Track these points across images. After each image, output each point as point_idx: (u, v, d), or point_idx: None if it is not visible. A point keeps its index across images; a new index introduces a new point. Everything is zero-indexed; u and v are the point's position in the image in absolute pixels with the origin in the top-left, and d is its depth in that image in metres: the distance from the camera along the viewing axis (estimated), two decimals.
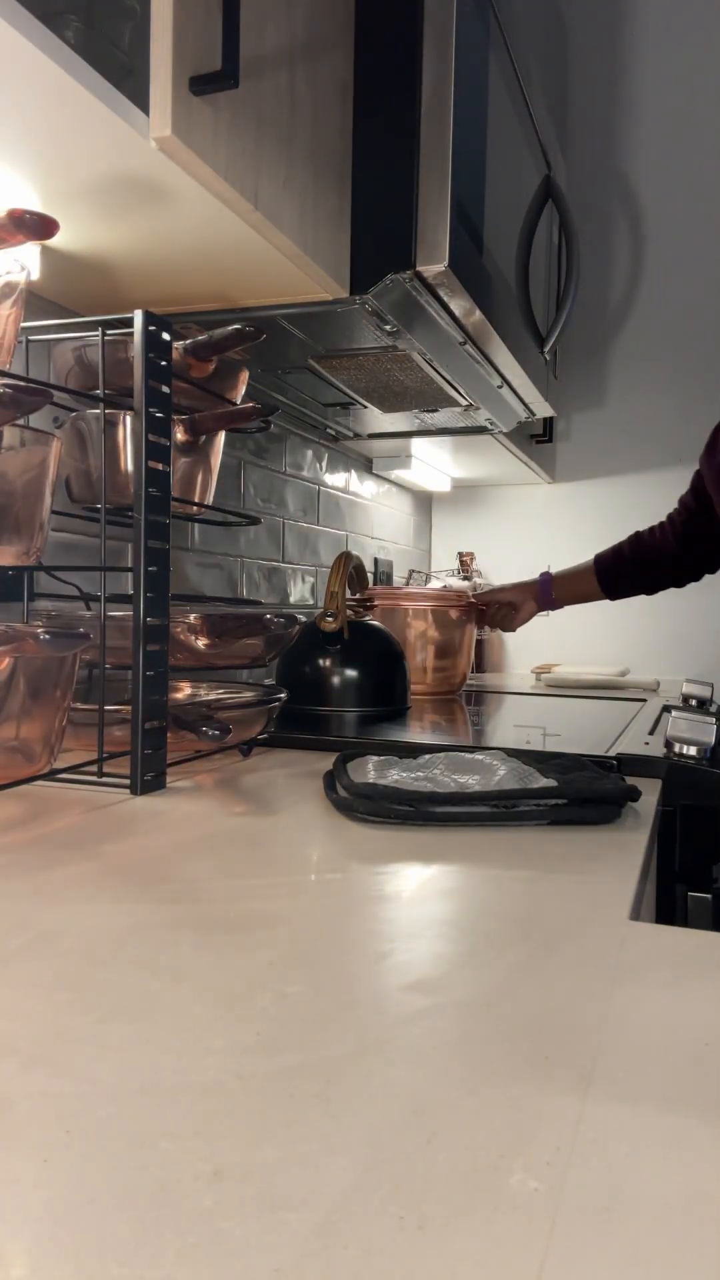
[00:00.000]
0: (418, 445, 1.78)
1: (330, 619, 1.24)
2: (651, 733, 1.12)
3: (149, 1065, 0.33)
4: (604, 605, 2.17)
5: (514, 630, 1.61)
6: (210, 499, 0.99)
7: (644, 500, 2.17)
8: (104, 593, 0.79)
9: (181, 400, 0.91)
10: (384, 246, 0.95)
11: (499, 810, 0.69)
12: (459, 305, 1.03)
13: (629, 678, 1.86)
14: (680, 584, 1.51)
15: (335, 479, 1.75)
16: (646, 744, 1.00)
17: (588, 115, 2.16)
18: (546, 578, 1.57)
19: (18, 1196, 0.26)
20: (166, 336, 0.78)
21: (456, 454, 1.89)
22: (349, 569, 1.27)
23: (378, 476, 1.96)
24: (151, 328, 0.76)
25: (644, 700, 1.55)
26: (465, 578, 2.24)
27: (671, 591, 2.14)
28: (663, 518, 1.52)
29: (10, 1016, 0.36)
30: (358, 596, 1.44)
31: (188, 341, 0.87)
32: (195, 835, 0.65)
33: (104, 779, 0.79)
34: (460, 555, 2.31)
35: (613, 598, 1.54)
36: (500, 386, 1.37)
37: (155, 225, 0.82)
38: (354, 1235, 0.24)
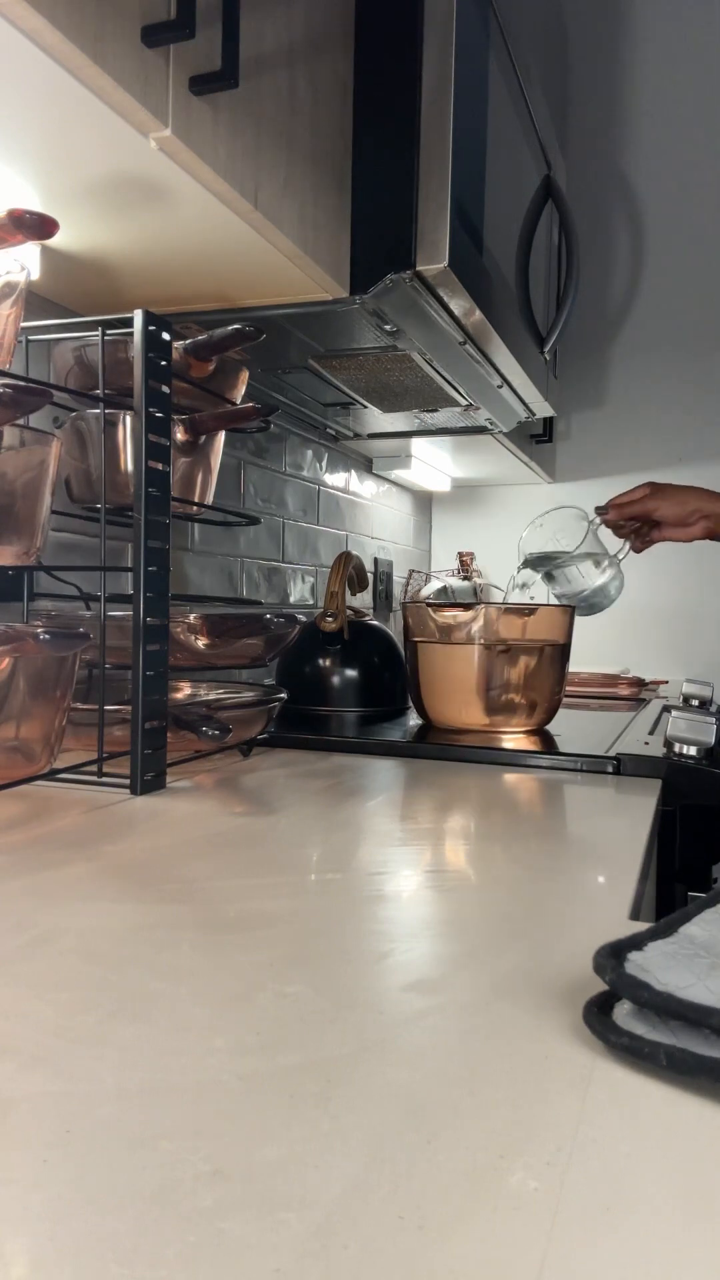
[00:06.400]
0: (418, 445, 1.78)
1: (330, 619, 1.24)
2: (651, 733, 1.12)
3: (149, 1065, 0.33)
4: None
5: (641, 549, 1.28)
6: (210, 499, 0.99)
7: None
8: (104, 593, 0.78)
9: (181, 400, 0.91)
10: (384, 246, 0.95)
11: None
12: (459, 305, 1.03)
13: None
14: None
15: (335, 479, 1.75)
16: (646, 744, 1.00)
17: (588, 115, 2.15)
18: None
19: (18, 1196, 0.26)
20: (166, 336, 0.78)
21: (456, 454, 1.88)
22: (349, 569, 1.27)
23: (378, 476, 1.96)
24: (151, 328, 0.76)
25: (645, 700, 1.55)
26: (465, 578, 2.24)
27: (673, 592, 2.14)
28: None
29: (10, 1016, 0.36)
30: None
31: (188, 341, 0.87)
32: (195, 835, 0.65)
33: (104, 779, 0.79)
34: (460, 555, 2.31)
35: None
36: (500, 386, 1.36)
37: (155, 225, 0.82)
38: (354, 1235, 0.24)
